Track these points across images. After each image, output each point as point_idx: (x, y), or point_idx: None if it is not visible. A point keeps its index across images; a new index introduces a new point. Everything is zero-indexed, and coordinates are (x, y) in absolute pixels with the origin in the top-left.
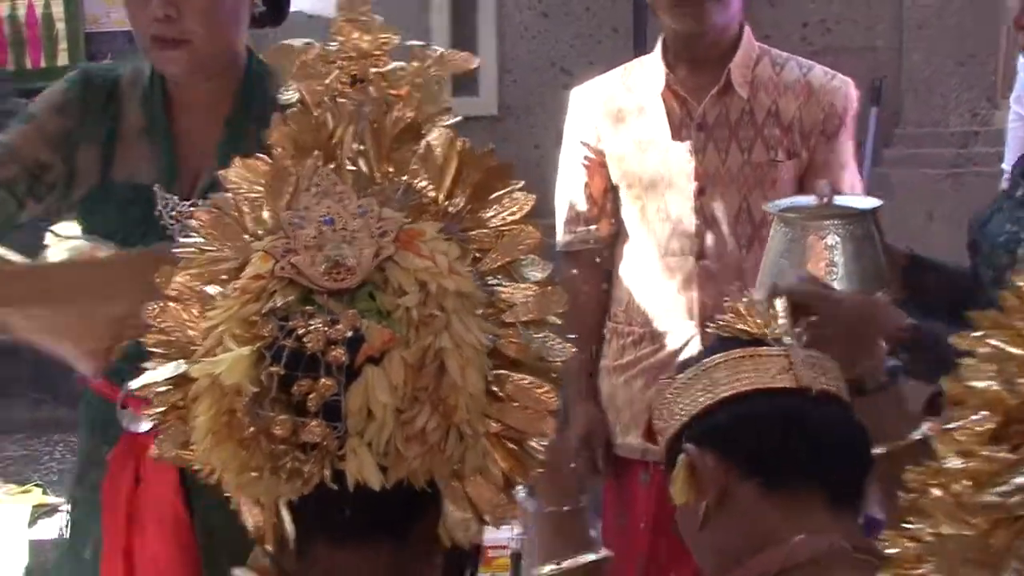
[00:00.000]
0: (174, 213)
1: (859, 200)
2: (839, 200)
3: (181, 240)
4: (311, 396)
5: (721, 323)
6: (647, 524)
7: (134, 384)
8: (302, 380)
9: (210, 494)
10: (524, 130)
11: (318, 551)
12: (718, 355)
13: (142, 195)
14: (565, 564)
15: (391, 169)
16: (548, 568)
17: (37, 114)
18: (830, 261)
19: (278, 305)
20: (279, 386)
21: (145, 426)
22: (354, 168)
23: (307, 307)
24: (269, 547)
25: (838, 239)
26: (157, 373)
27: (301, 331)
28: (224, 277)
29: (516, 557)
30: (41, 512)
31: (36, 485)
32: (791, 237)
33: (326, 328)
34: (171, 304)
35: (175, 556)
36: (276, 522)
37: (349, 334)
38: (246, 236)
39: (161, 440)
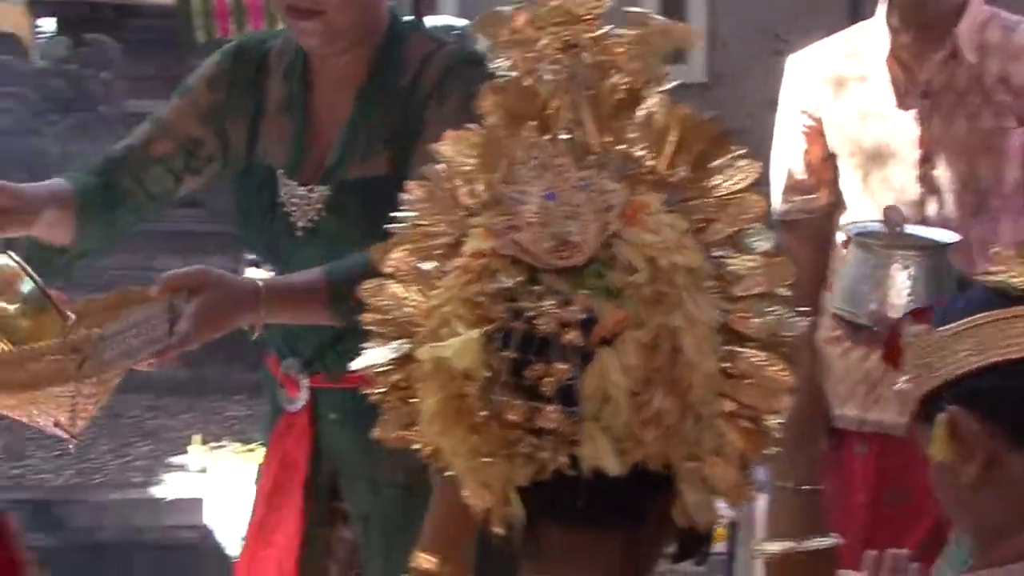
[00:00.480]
0: (295, 199)
1: (935, 232)
2: (913, 230)
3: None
4: (546, 381)
5: (988, 273)
6: (865, 496)
7: (354, 364)
8: (535, 364)
9: (358, 477)
10: (735, 98)
11: (549, 534)
12: (988, 312)
13: (271, 178)
14: (795, 545)
15: (608, 139)
16: (778, 546)
17: (191, 88)
18: (911, 290)
19: (505, 285)
20: (510, 370)
21: (297, 405)
22: (568, 138)
23: (535, 287)
24: (498, 530)
25: (921, 270)
26: (378, 354)
27: (531, 313)
28: (439, 252)
29: (733, 527)
30: None
31: (261, 444)
32: (872, 264)
33: (558, 309)
34: (388, 281)
35: (284, 550)
36: (505, 505)
37: (583, 316)
38: (460, 211)
39: (384, 421)
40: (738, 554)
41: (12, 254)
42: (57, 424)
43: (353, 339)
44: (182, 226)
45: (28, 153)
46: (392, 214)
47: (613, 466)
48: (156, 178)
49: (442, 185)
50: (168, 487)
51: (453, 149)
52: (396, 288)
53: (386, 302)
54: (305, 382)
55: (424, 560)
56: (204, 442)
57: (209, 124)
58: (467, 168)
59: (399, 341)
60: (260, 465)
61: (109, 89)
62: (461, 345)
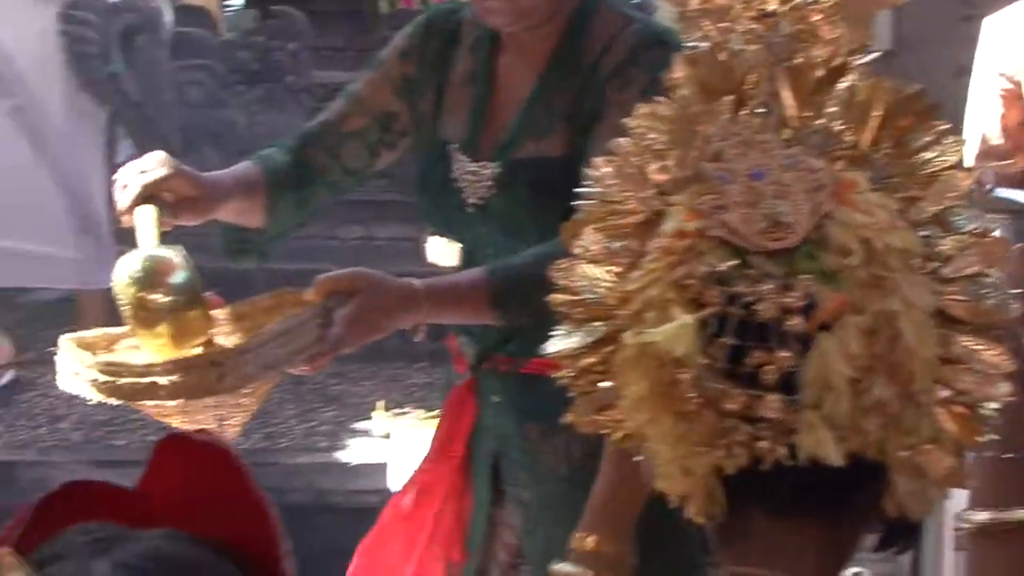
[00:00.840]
0: (467, 175)
1: None
2: None
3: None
4: (767, 369)
5: None
6: None
7: (548, 348)
8: (755, 352)
9: (520, 463)
10: (921, 64)
11: (752, 523)
12: None
13: (446, 152)
14: (1001, 515)
15: (808, 113)
16: (984, 515)
17: (384, 61)
18: None
19: (716, 268)
20: (727, 357)
21: (462, 381)
22: (765, 112)
23: (748, 271)
24: (699, 518)
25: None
26: (573, 339)
27: (749, 298)
28: (628, 231)
29: None
30: None
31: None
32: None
33: (779, 295)
34: (579, 262)
35: (445, 527)
36: (707, 493)
37: (803, 302)
38: (650, 187)
39: (576, 406)
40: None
41: (179, 247)
42: (203, 432)
43: (526, 333)
44: (365, 195)
45: (216, 124)
46: (563, 197)
47: (834, 456)
48: (352, 153)
49: (630, 161)
50: (352, 452)
51: (643, 123)
52: (587, 268)
53: (577, 283)
54: (473, 359)
55: (588, 541)
56: (387, 408)
57: (402, 97)
58: (658, 144)
59: (593, 324)
60: (435, 431)
61: (295, 61)
62: (674, 331)
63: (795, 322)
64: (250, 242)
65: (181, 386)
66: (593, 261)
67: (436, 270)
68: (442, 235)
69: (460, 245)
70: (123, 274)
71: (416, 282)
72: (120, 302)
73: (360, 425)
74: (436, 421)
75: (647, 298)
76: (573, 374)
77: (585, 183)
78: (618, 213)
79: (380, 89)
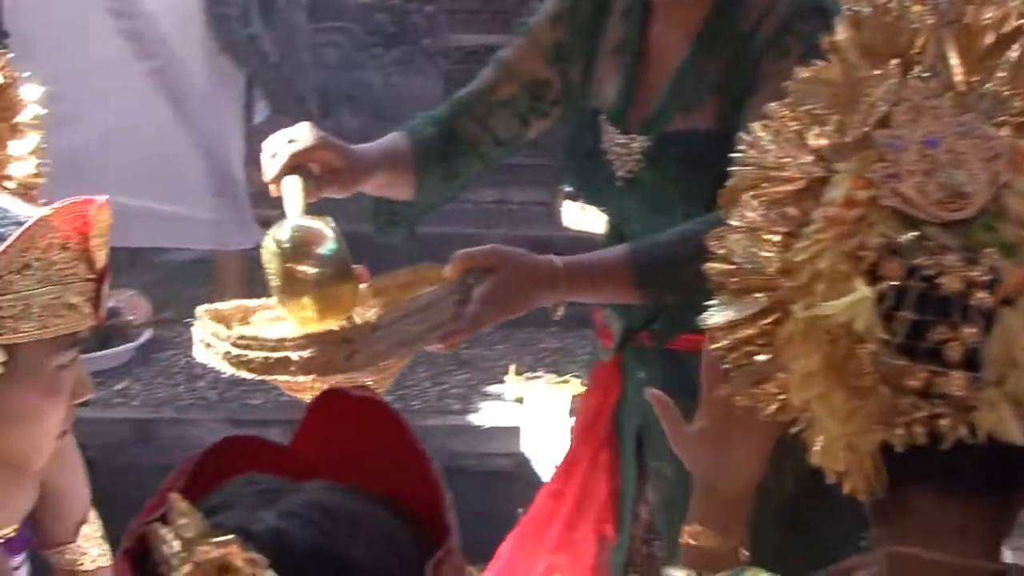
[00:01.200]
0: (615, 148)
1: None
2: None
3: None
4: (951, 344)
5: None
6: None
7: (706, 320)
8: (939, 327)
9: (662, 440)
10: None
11: (914, 499)
12: None
13: (595, 122)
14: None
15: (976, 78)
16: None
17: (534, 27)
18: None
19: (893, 239)
20: (908, 332)
21: (607, 356)
22: (930, 77)
23: (927, 242)
24: (859, 495)
25: None
26: (732, 311)
27: (931, 271)
28: (785, 198)
29: None
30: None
31: (574, 376)
32: None
33: (964, 268)
34: (735, 230)
35: (595, 504)
36: (869, 469)
37: (989, 276)
38: (808, 153)
39: (735, 378)
40: None
41: (328, 218)
42: None
43: (671, 310)
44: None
45: (352, 86)
46: (713, 172)
47: (1017, 434)
48: (503, 123)
49: (788, 126)
50: (485, 415)
51: (803, 87)
52: (743, 236)
53: (734, 251)
54: (618, 334)
55: (701, 535)
56: (519, 373)
57: (553, 64)
58: (818, 108)
59: (753, 295)
60: (580, 405)
61: (432, 23)
62: (851, 304)
63: (982, 296)
64: (399, 215)
65: (311, 362)
66: (750, 229)
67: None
68: (589, 204)
69: (606, 216)
70: (272, 244)
71: (556, 260)
72: (268, 271)
73: (492, 389)
74: (568, 386)
75: (816, 269)
76: (729, 346)
77: (740, 149)
78: (775, 180)
79: (530, 56)
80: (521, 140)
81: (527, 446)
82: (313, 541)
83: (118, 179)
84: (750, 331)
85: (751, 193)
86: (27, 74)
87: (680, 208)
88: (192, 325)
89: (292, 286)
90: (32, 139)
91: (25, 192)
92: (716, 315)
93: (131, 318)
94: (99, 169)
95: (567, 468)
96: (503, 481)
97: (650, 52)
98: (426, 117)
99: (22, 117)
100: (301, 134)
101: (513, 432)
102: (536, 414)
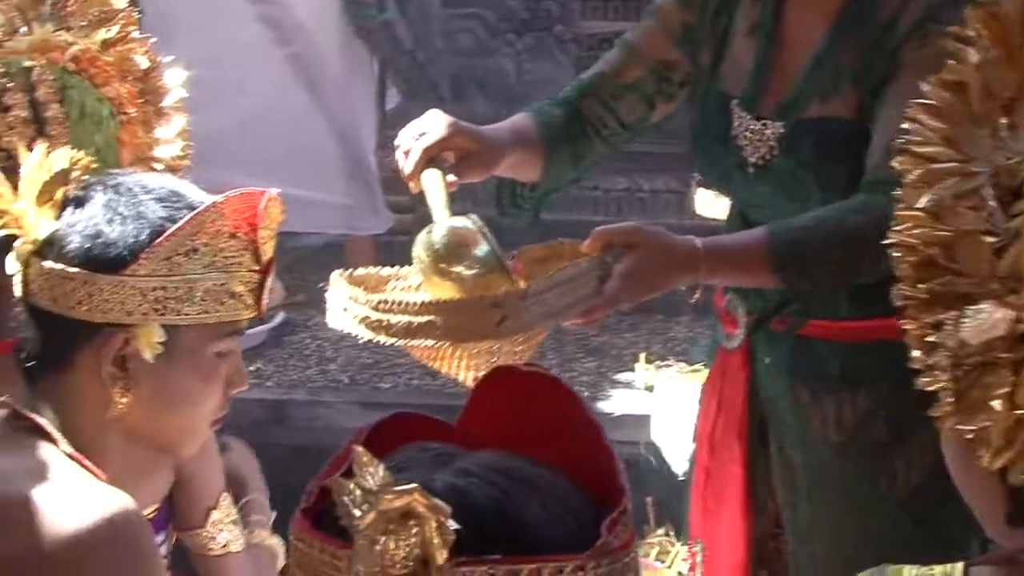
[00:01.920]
0: (748, 133)
1: None
2: None
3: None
4: None
5: None
6: None
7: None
8: None
9: (789, 426)
10: None
11: None
12: None
13: (726, 107)
14: None
15: None
16: None
17: (662, 8)
18: None
19: None
20: None
21: (732, 344)
22: None
23: None
24: None
25: None
26: (990, 320)
27: None
28: (972, 187)
29: None
30: None
31: (704, 365)
32: None
33: None
34: (915, 220)
35: (732, 494)
36: None
37: None
38: (989, 136)
39: (953, 401)
40: None
41: (474, 216)
42: (476, 379)
43: (807, 296)
44: (629, 146)
45: (484, 72)
46: (848, 160)
47: None
48: (629, 106)
49: (968, 109)
50: (615, 403)
51: (991, 72)
52: (930, 227)
53: (921, 242)
54: (743, 320)
55: None
56: (648, 361)
57: (681, 47)
58: (1007, 92)
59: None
60: (701, 395)
61: (564, 10)
62: None
63: None
64: (523, 198)
65: (459, 328)
66: (935, 216)
67: (703, 222)
68: (716, 191)
69: (732, 202)
70: (425, 247)
71: (696, 241)
72: (423, 274)
73: (622, 377)
74: (699, 375)
75: None
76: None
77: (909, 134)
78: (951, 166)
79: (658, 38)
80: (646, 123)
81: (657, 435)
82: (491, 498)
83: (252, 164)
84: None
85: (924, 180)
86: (170, 58)
87: (815, 196)
88: (327, 291)
89: (448, 287)
90: (177, 122)
91: (172, 173)
92: (974, 326)
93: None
94: (234, 154)
95: (709, 459)
96: (633, 469)
97: (784, 35)
98: (551, 99)
99: (167, 101)
100: (431, 124)
101: (643, 420)
102: (667, 402)
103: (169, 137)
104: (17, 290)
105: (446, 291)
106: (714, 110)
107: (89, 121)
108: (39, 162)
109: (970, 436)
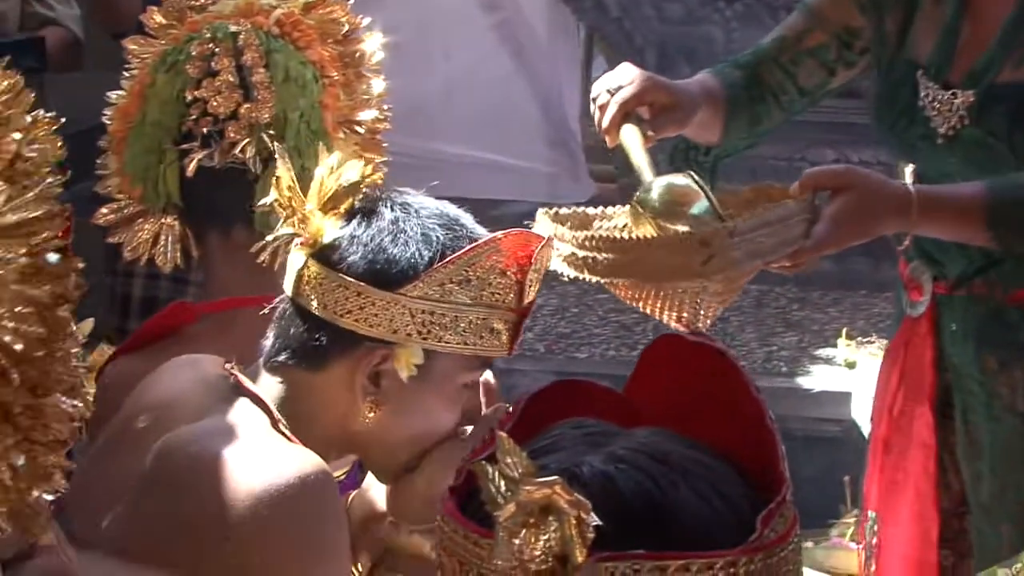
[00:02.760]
0: (936, 103)
1: None
2: None
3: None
4: None
5: None
6: None
7: None
8: None
9: (975, 395)
10: None
11: None
12: None
13: (912, 76)
14: None
15: None
16: None
17: None
18: None
19: None
20: None
21: (918, 311)
22: None
23: None
24: None
25: None
26: None
27: None
28: None
29: None
30: None
31: None
32: None
33: None
34: None
35: (918, 464)
36: None
37: None
38: None
39: None
40: None
41: (692, 174)
42: (680, 320)
43: (1017, 258)
44: (838, 117)
45: (693, 41)
46: None
47: None
48: (809, 71)
49: None
50: (815, 379)
51: None
52: None
53: None
54: (929, 286)
55: None
56: (850, 337)
57: (867, 12)
58: None
59: None
60: (881, 365)
61: None
62: None
63: None
64: (699, 163)
65: (665, 265)
66: None
67: None
68: (902, 161)
69: (918, 175)
70: (643, 204)
71: (910, 186)
72: (635, 214)
73: (823, 352)
74: None
75: None
76: None
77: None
78: None
79: (842, 4)
80: (825, 90)
81: (858, 412)
82: (640, 487)
83: (458, 130)
84: None
85: None
86: (367, 20)
87: (1009, 165)
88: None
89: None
90: (377, 85)
91: (372, 137)
92: None
93: None
94: (440, 120)
95: (889, 448)
96: (832, 447)
97: (974, 2)
98: (732, 60)
99: (367, 64)
100: (626, 77)
101: (844, 398)
102: (869, 380)
103: (369, 100)
104: (288, 288)
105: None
106: (900, 79)
107: (294, 85)
108: (331, 168)
109: None
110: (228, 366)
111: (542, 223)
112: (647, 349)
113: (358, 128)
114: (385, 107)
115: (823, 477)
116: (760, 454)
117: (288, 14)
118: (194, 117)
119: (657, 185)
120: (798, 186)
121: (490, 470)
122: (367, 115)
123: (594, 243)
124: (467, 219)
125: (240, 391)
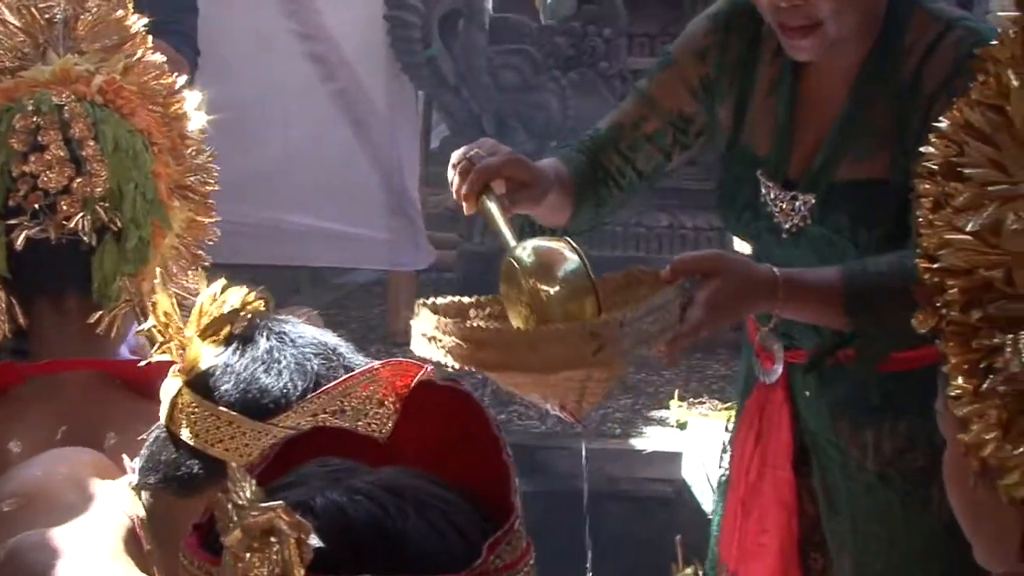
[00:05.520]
0: (779, 203)
1: None
2: None
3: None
4: None
5: None
6: None
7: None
8: None
9: (830, 456)
10: None
11: None
12: None
13: (752, 173)
14: None
15: None
16: None
17: (678, 59)
18: None
19: None
20: None
21: (771, 378)
22: None
23: None
24: None
25: None
26: None
27: None
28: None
29: None
30: None
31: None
32: None
33: None
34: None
35: (780, 523)
36: None
37: None
38: None
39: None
40: None
41: (568, 238)
42: (563, 407)
43: (866, 338)
44: (672, 183)
45: (528, 108)
46: (887, 221)
47: None
48: (646, 156)
49: (1010, 124)
50: (647, 440)
51: None
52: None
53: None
54: (781, 355)
55: None
56: (682, 398)
57: (699, 99)
58: None
59: None
60: (730, 428)
61: (609, 46)
62: None
63: None
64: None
65: (557, 357)
66: (986, 240)
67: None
68: (745, 242)
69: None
70: (513, 267)
71: (775, 270)
72: (507, 298)
73: (656, 414)
74: (732, 412)
75: None
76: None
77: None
78: (1000, 188)
79: (674, 90)
80: (662, 172)
81: (688, 472)
82: (371, 516)
83: (300, 199)
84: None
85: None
86: (182, 79)
87: (853, 257)
88: (414, 320)
89: (538, 307)
90: (202, 149)
91: (203, 200)
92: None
93: None
94: (282, 188)
95: (747, 508)
96: (662, 507)
97: (807, 97)
98: (574, 144)
99: (190, 126)
100: (490, 149)
101: (674, 458)
102: (698, 440)
103: (198, 163)
104: (162, 415)
105: (531, 314)
106: (740, 175)
107: (125, 156)
108: (213, 295)
109: (1014, 462)
110: (129, 465)
111: (422, 316)
112: (407, 397)
113: (191, 194)
114: (214, 168)
115: (655, 537)
116: (498, 488)
117: (110, 81)
118: (23, 192)
119: (531, 245)
120: (669, 271)
121: (223, 499)
122: (197, 181)
123: (481, 335)
124: (345, 348)
125: (110, 500)
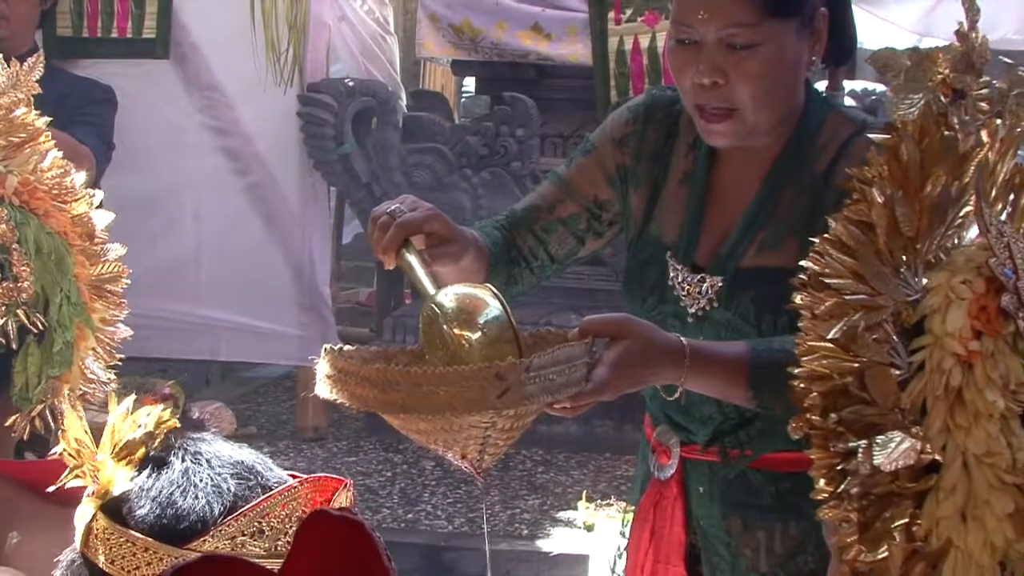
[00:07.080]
0: (686, 285)
1: None
2: None
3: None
4: None
5: None
6: None
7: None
8: None
9: (720, 555)
10: None
11: None
12: None
13: (661, 256)
14: None
15: None
16: None
17: (597, 147)
18: None
19: None
20: None
21: (666, 474)
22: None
23: None
24: None
25: None
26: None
27: None
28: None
29: None
30: None
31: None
32: None
33: None
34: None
35: None
36: None
37: None
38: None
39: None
40: None
41: (492, 287)
42: (464, 458)
43: (765, 421)
44: (580, 284)
45: (440, 206)
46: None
47: None
48: (559, 240)
49: (874, 240)
50: (554, 542)
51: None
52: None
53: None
54: (677, 450)
55: None
56: (590, 499)
57: (615, 186)
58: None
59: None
60: (625, 532)
61: (522, 146)
62: None
63: None
64: None
65: (461, 398)
66: (845, 347)
67: None
68: None
69: None
70: (434, 313)
71: (683, 339)
72: (428, 342)
73: (563, 515)
74: (628, 515)
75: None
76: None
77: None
78: (859, 299)
79: (592, 176)
80: (574, 257)
81: (595, 574)
82: None
83: (211, 293)
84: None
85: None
86: (81, 177)
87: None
88: (319, 364)
89: (457, 353)
90: (112, 247)
91: (117, 299)
92: (880, 456)
93: (214, 430)
94: (192, 282)
95: None
96: None
97: (720, 187)
98: (491, 221)
99: (98, 225)
100: (412, 204)
101: (582, 560)
102: (606, 542)
103: (110, 263)
104: (77, 541)
105: (451, 361)
106: (648, 258)
107: (48, 260)
108: (125, 414)
109: (871, 566)
110: None
111: (328, 358)
112: (300, 526)
113: (107, 293)
114: (126, 268)
115: None
116: None
117: (24, 182)
118: None
119: (452, 292)
120: (577, 332)
121: None
122: (111, 281)
123: (387, 376)
124: (263, 466)
125: None
